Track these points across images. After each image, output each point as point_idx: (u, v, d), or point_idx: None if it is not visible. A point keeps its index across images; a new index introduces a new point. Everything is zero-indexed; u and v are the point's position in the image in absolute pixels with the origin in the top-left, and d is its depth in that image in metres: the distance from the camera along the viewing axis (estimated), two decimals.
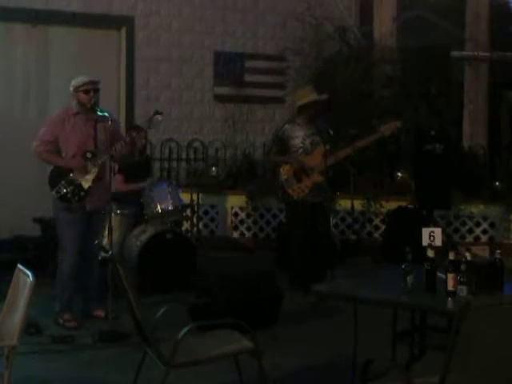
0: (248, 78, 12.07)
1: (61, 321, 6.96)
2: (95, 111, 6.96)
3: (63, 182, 6.93)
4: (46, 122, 7.16)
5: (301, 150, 8.16)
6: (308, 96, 8.19)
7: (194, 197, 9.11)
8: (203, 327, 5.21)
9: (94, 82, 7.03)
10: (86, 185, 7.00)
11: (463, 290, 4.42)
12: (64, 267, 7.00)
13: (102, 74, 10.13)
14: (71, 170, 6.97)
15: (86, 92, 6.96)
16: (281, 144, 8.23)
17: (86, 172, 7.00)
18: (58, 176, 6.97)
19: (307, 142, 8.17)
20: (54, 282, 7.08)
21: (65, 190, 6.92)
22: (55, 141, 6.99)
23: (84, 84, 6.98)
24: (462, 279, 4.42)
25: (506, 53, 12.14)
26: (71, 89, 7.05)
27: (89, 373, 5.79)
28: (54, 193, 6.94)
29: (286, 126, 8.31)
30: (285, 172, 8.17)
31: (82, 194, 6.98)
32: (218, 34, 11.95)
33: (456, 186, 10.63)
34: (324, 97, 8.27)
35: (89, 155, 7.04)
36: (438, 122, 11.37)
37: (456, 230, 10.89)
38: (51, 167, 7.06)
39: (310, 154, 8.14)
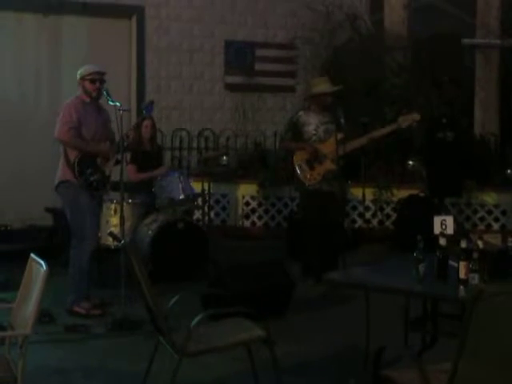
0: (258, 66, 12.06)
1: (82, 310, 6.94)
2: (98, 100, 7.11)
3: (90, 170, 6.93)
4: (65, 108, 7.00)
5: (314, 138, 8.16)
6: (320, 86, 8.19)
7: (205, 186, 9.12)
8: (216, 316, 5.22)
9: (100, 73, 7.07)
10: (107, 172, 7.07)
11: (475, 278, 4.41)
12: (84, 255, 6.98)
13: (113, 63, 10.22)
14: (96, 158, 6.99)
15: (92, 81, 7.01)
16: (295, 130, 8.23)
17: (109, 159, 7.07)
18: (85, 163, 6.91)
19: (320, 129, 8.16)
20: (67, 272, 7.07)
21: (92, 178, 6.92)
22: (79, 126, 6.93)
23: (90, 73, 7.03)
24: (473, 267, 4.42)
25: None
26: (78, 77, 7.09)
27: (102, 362, 5.81)
28: (82, 180, 6.88)
29: (301, 112, 8.33)
30: (298, 159, 8.17)
31: (105, 180, 7.05)
32: (228, 23, 11.94)
33: (467, 174, 10.62)
34: (336, 89, 8.24)
35: (107, 143, 7.11)
36: (450, 109, 11.34)
37: (468, 218, 10.87)
38: (72, 155, 6.90)
39: (323, 141, 8.14)
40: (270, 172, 11.24)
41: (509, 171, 11.03)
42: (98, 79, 7.02)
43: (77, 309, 6.97)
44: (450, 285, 4.53)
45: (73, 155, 6.92)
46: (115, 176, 7.16)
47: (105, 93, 6.93)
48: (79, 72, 7.10)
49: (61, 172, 7.04)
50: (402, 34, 12.17)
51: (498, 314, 3.44)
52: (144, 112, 7.62)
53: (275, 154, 11.41)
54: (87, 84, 7.03)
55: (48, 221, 9.50)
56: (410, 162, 11.11)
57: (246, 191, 11.27)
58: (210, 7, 11.83)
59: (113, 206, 8.23)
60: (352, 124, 8.50)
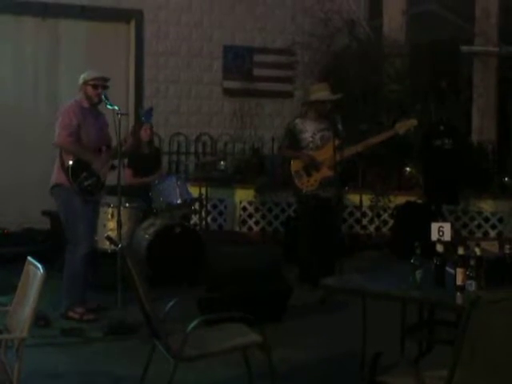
0: (257, 72, 12.06)
1: (76, 315, 6.93)
2: (97, 106, 7.11)
3: (85, 174, 6.92)
4: (64, 112, 6.98)
5: (311, 145, 8.18)
6: (320, 93, 8.20)
7: (203, 191, 9.12)
8: (212, 320, 5.22)
9: (104, 79, 7.06)
10: (103, 177, 7.06)
11: (472, 285, 4.42)
12: (77, 260, 6.96)
13: (111, 67, 10.22)
14: (91, 162, 6.98)
15: (95, 87, 7.00)
16: (292, 138, 8.25)
17: (104, 164, 7.06)
18: (79, 167, 6.90)
19: (317, 136, 8.18)
20: (63, 276, 7.07)
21: (86, 183, 6.92)
22: (78, 131, 6.92)
23: (94, 78, 7.02)
24: (471, 274, 4.42)
25: None
26: (81, 81, 7.07)
27: (98, 365, 5.81)
28: (75, 185, 6.87)
29: (297, 120, 8.34)
30: (295, 166, 8.18)
31: (100, 185, 7.04)
32: (227, 27, 11.94)
33: (465, 181, 10.61)
34: (335, 97, 8.25)
35: (103, 148, 7.10)
36: (447, 116, 11.35)
37: (465, 225, 10.87)
38: (67, 159, 6.90)
39: (320, 148, 8.15)
40: (268, 177, 11.23)
41: (506, 179, 11.04)
42: (100, 85, 7.02)
43: (71, 314, 6.96)
44: (447, 291, 4.53)
45: (68, 159, 6.91)
46: (113, 180, 7.16)
47: (103, 97, 6.93)
48: (82, 76, 7.08)
49: (55, 175, 7.03)
50: (400, 41, 12.16)
51: (494, 321, 3.45)
52: (143, 119, 7.62)
53: (273, 160, 11.40)
54: (89, 89, 7.01)
55: (45, 224, 9.49)
56: (408, 169, 11.12)
57: (243, 196, 11.25)
58: (208, 12, 11.83)
59: (110, 210, 8.23)
60: (350, 131, 8.50)
